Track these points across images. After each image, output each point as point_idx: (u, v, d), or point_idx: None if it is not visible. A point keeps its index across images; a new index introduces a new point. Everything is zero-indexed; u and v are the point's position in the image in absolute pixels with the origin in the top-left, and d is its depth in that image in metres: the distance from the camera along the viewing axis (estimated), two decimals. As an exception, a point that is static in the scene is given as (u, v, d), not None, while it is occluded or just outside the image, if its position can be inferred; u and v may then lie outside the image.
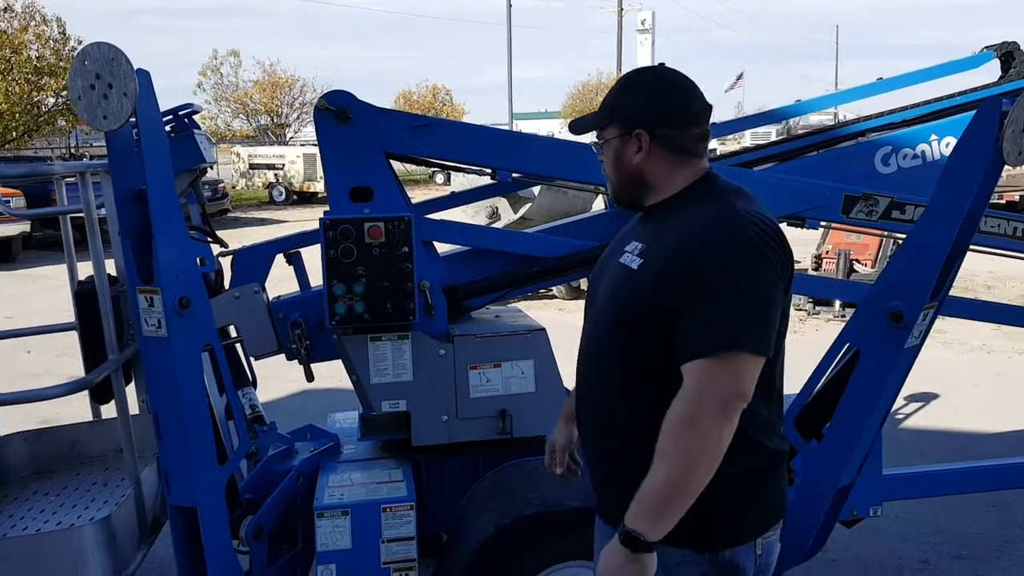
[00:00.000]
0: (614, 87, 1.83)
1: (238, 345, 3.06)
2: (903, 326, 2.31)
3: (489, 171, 3.01)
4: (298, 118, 36.67)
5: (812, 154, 3.48)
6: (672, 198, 1.78)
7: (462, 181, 8.58)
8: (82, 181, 2.79)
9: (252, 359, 3.14)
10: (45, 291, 10.19)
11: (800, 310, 9.00)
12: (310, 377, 3.02)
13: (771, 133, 23.77)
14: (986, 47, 3.57)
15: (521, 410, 2.82)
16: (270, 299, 3.06)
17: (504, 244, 3.02)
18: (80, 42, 20.87)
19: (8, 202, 11.15)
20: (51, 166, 3.05)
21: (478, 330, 2.88)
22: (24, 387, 3.40)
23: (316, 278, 2.95)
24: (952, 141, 3.01)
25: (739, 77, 52.82)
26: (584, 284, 3.24)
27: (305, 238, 3.16)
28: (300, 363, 3.00)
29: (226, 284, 3.21)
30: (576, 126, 1.91)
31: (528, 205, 9.37)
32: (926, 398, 6.02)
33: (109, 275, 2.84)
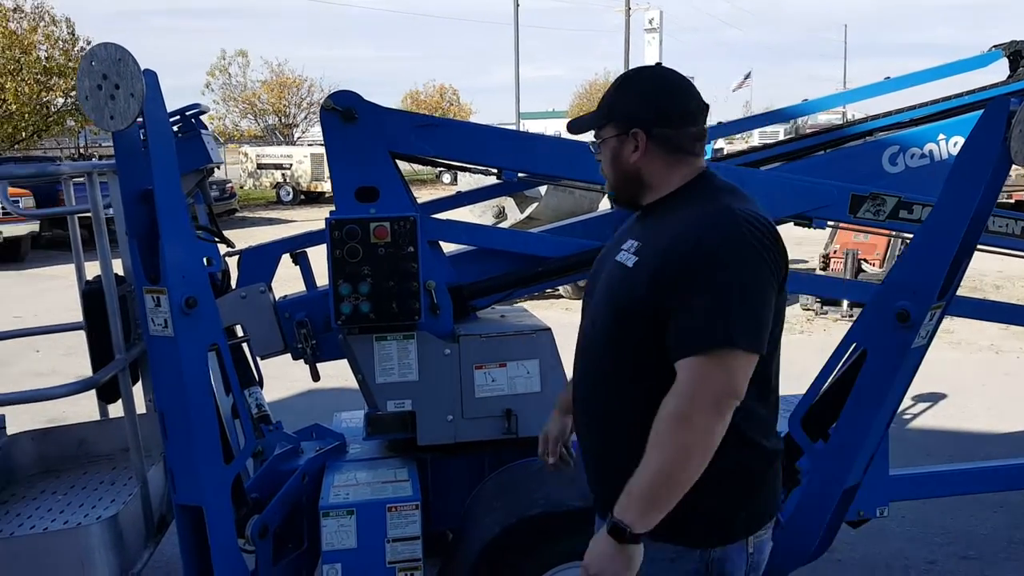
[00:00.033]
0: (611, 87, 1.85)
1: (244, 345, 3.07)
2: (910, 326, 2.30)
3: (495, 171, 3.01)
4: (306, 118, 36.78)
5: (819, 153, 3.48)
6: (669, 197, 1.79)
7: (469, 181, 8.58)
8: (89, 181, 2.80)
9: (258, 358, 3.14)
10: (54, 291, 10.23)
11: (808, 310, 8.98)
12: (316, 376, 3.02)
13: (779, 132, 23.69)
14: (994, 46, 3.56)
15: (526, 410, 2.82)
16: (276, 299, 3.07)
17: (510, 244, 3.02)
18: (89, 42, 20.98)
19: (17, 202, 11.23)
20: (59, 166, 3.05)
21: (483, 330, 2.88)
22: (32, 386, 3.42)
23: (322, 278, 2.95)
24: (960, 140, 2.99)
25: (747, 76, 52.69)
26: (590, 284, 3.23)
27: (311, 238, 3.17)
28: (306, 363, 3.01)
29: (233, 284, 3.21)
30: (574, 126, 1.93)
31: (535, 205, 9.36)
32: (934, 398, 5.99)
33: (117, 275, 2.85)
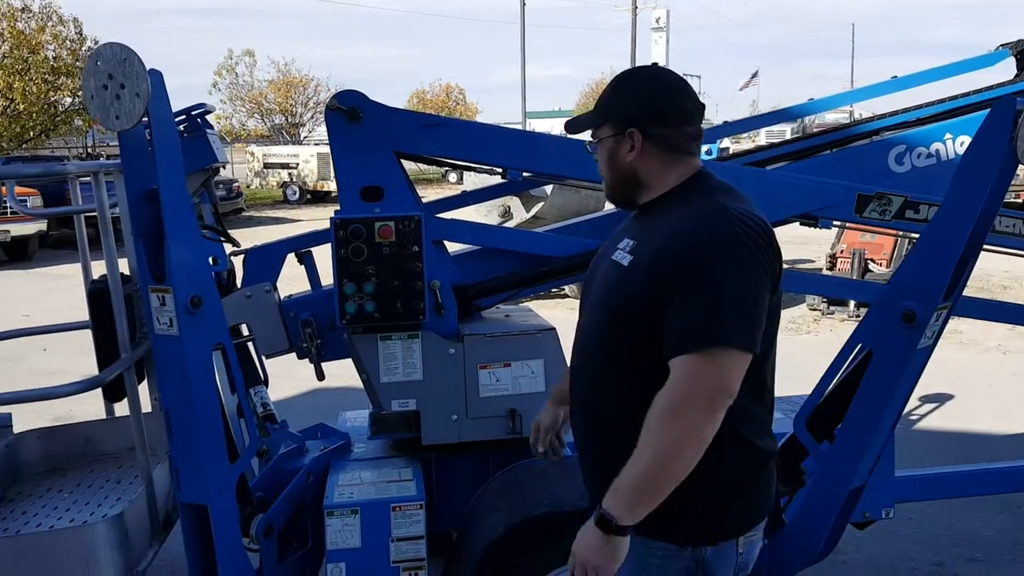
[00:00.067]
0: (608, 87, 1.86)
1: (250, 344, 3.08)
2: (916, 326, 2.29)
3: (500, 170, 3.00)
4: (312, 117, 36.85)
5: (825, 153, 3.47)
6: (665, 196, 1.80)
7: (474, 180, 8.58)
8: (95, 181, 2.81)
9: (264, 357, 3.15)
10: (61, 289, 10.27)
11: (814, 310, 8.96)
12: (320, 376, 3.03)
13: (786, 132, 23.65)
14: (1001, 45, 3.54)
15: (531, 410, 2.81)
16: (281, 298, 3.07)
17: (514, 243, 3.02)
18: (96, 42, 21.04)
19: (25, 201, 11.27)
20: (65, 166, 3.07)
21: (488, 329, 2.88)
22: (40, 384, 3.44)
23: (327, 277, 2.95)
24: (967, 140, 2.98)
25: (754, 75, 52.61)
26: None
27: (316, 237, 3.17)
28: (311, 362, 3.01)
29: (238, 283, 3.22)
30: (572, 125, 1.94)
31: (540, 204, 9.36)
32: (941, 399, 5.97)
33: (122, 274, 2.86)
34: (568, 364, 2.02)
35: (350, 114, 2.74)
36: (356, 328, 2.77)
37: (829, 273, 9.09)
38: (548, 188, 8.94)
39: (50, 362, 7.07)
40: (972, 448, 5.16)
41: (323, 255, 2.93)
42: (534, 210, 9.43)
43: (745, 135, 27.77)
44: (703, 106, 1.83)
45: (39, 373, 6.70)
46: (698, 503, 1.69)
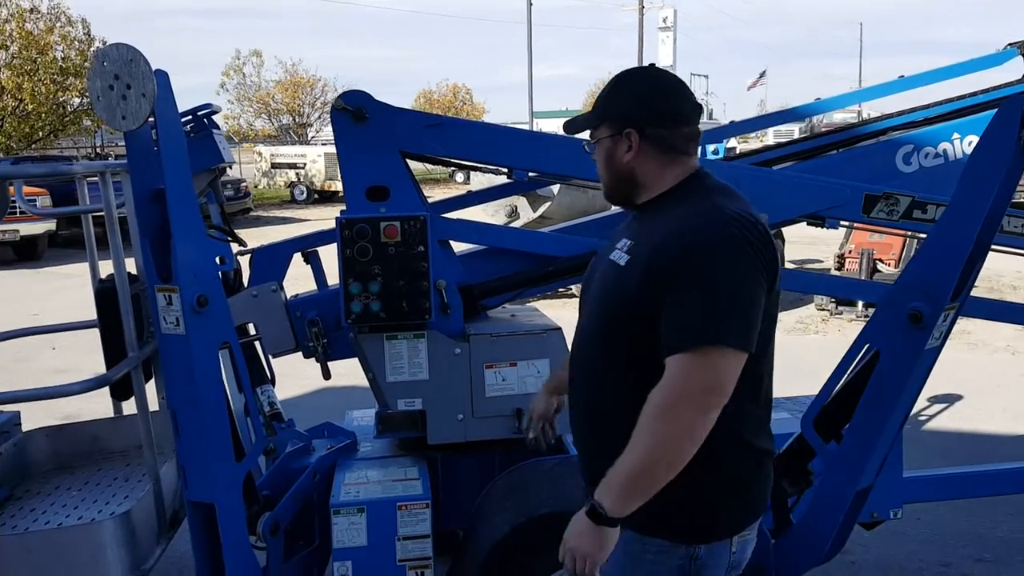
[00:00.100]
0: (605, 88, 1.88)
1: (257, 343, 3.09)
2: (923, 327, 2.28)
3: (505, 170, 3.00)
4: (319, 118, 36.95)
5: (832, 153, 3.46)
6: (662, 196, 1.81)
7: (481, 180, 8.58)
8: (102, 181, 2.82)
9: (271, 357, 3.16)
10: (70, 289, 10.31)
11: (823, 310, 8.94)
12: (327, 375, 3.03)
13: (794, 131, 23.58)
14: (1010, 44, 3.52)
15: (537, 409, 2.82)
16: (288, 297, 3.08)
17: (520, 243, 3.02)
18: (105, 42, 21.13)
19: (34, 201, 11.32)
20: (71, 166, 3.08)
21: (494, 329, 2.88)
22: (49, 383, 3.45)
23: (333, 277, 2.96)
24: (975, 140, 2.96)
25: (762, 75, 52.46)
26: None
27: (322, 237, 3.18)
28: (317, 361, 3.02)
29: (245, 283, 3.23)
30: (570, 126, 1.96)
31: (547, 204, 9.35)
32: (950, 399, 5.95)
33: (130, 273, 2.87)
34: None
35: (356, 114, 2.74)
36: (362, 327, 2.78)
37: (837, 273, 9.05)
38: (555, 188, 8.93)
39: (59, 361, 7.10)
40: (981, 448, 5.14)
41: (329, 255, 2.93)
42: (541, 210, 9.42)
43: (753, 135, 27.68)
44: (700, 107, 1.85)
45: (48, 372, 6.73)
46: (694, 501, 1.71)
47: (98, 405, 3.93)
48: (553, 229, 3.21)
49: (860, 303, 8.53)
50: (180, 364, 2.42)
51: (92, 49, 21.32)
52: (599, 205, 8.98)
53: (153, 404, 2.98)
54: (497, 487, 2.77)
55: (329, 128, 2.84)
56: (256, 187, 25.08)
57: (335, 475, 2.80)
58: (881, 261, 8.98)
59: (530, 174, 3.02)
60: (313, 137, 36.53)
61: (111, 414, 3.49)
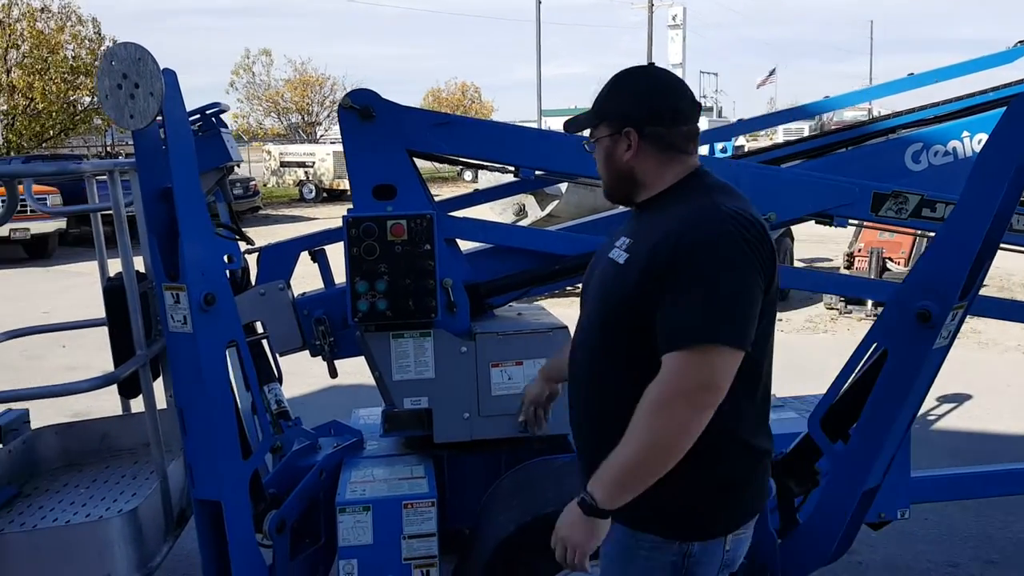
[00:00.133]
0: (604, 87, 1.88)
1: (264, 341, 3.09)
2: (931, 326, 2.27)
3: (512, 168, 3.00)
4: (328, 116, 37.01)
5: (841, 151, 3.44)
6: (661, 194, 1.82)
7: (489, 179, 8.58)
8: (111, 179, 2.83)
9: (278, 355, 3.16)
10: (80, 287, 10.36)
11: (832, 309, 8.91)
12: (334, 373, 3.04)
13: (804, 129, 23.51)
14: (1020, 42, 3.50)
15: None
16: (295, 296, 3.08)
17: (527, 242, 3.02)
18: (115, 41, 21.22)
19: (45, 199, 11.37)
20: (79, 164, 3.10)
21: (500, 328, 2.88)
22: (60, 381, 3.47)
23: (341, 275, 2.96)
24: (985, 138, 2.94)
25: (771, 72, 52.35)
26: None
27: (329, 235, 3.18)
28: (324, 359, 3.02)
29: (253, 281, 3.24)
30: (570, 125, 1.97)
31: (555, 202, 9.35)
32: (959, 399, 5.91)
33: (138, 272, 2.88)
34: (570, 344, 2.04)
35: (363, 113, 2.74)
36: (368, 326, 2.78)
37: (847, 272, 9.02)
38: (563, 186, 8.93)
39: (69, 359, 7.14)
40: (991, 448, 5.11)
41: (336, 253, 2.94)
42: (549, 208, 9.42)
43: (763, 133, 27.58)
44: (699, 105, 1.85)
45: (57, 370, 6.76)
46: (689, 497, 1.72)
47: (106, 403, 3.95)
48: (560, 227, 3.21)
49: (869, 302, 8.49)
50: (187, 362, 2.42)
51: (102, 48, 21.43)
52: (607, 203, 8.97)
53: (161, 402, 3.00)
54: (503, 486, 2.77)
55: (338, 127, 2.84)
56: (265, 186, 25.16)
57: (341, 473, 2.81)
58: (891, 260, 8.94)
59: (537, 172, 3.01)
60: (322, 136, 36.61)
61: (120, 412, 3.51)
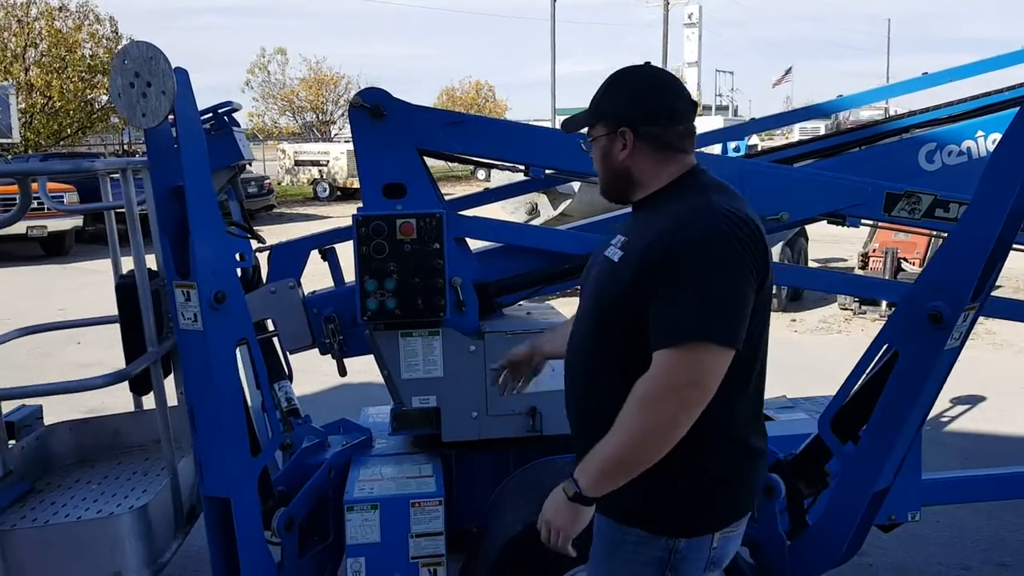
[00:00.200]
0: (601, 86, 1.88)
1: (275, 339, 3.11)
2: (943, 327, 2.25)
3: (522, 167, 3.00)
4: (343, 115, 37.06)
5: (854, 150, 3.42)
6: (657, 193, 1.83)
7: (501, 178, 8.58)
8: (123, 177, 2.85)
9: (288, 353, 3.17)
10: (96, 284, 10.44)
11: (846, 309, 8.85)
12: (343, 372, 3.05)
13: (820, 128, 23.36)
14: (1036, 40, 3.46)
15: (551, 408, 2.81)
16: (305, 294, 3.10)
17: (536, 241, 3.02)
18: (132, 40, 21.39)
19: (61, 198, 11.46)
20: (93, 163, 3.12)
21: (509, 327, 2.88)
22: (72, 377, 3.49)
23: (351, 274, 2.97)
24: (999, 137, 2.92)
25: (787, 72, 52.03)
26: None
27: (339, 234, 3.19)
28: (333, 357, 3.03)
29: (264, 279, 3.25)
30: (568, 124, 1.98)
31: (568, 201, 9.33)
32: (972, 400, 5.86)
33: (150, 269, 2.90)
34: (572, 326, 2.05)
35: (374, 112, 2.75)
36: (377, 324, 2.78)
37: (861, 272, 8.97)
38: (575, 185, 8.91)
39: (83, 355, 7.20)
40: (1004, 451, 5.06)
41: (346, 252, 2.95)
42: (561, 207, 9.41)
43: (779, 132, 27.46)
44: (695, 104, 1.86)
45: (72, 366, 6.82)
46: (677, 493, 1.74)
47: (120, 399, 3.97)
48: (570, 227, 3.20)
49: (884, 303, 8.43)
50: (198, 360, 2.44)
51: (120, 47, 21.60)
52: (619, 203, 8.94)
53: (172, 399, 3.01)
54: (511, 485, 2.78)
55: (351, 126, 2.85)
56: (279, 184, 25.26)
57: (350, 471, 2.82)
58: (905, 260, 8.87)
59: (547, 171, 3.01)
60: (336, 134, 36.72)
61: (133, 408, 3.53)
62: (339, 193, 24.99)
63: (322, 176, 25.36)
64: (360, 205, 2.84)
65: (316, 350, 3.09)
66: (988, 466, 4.55)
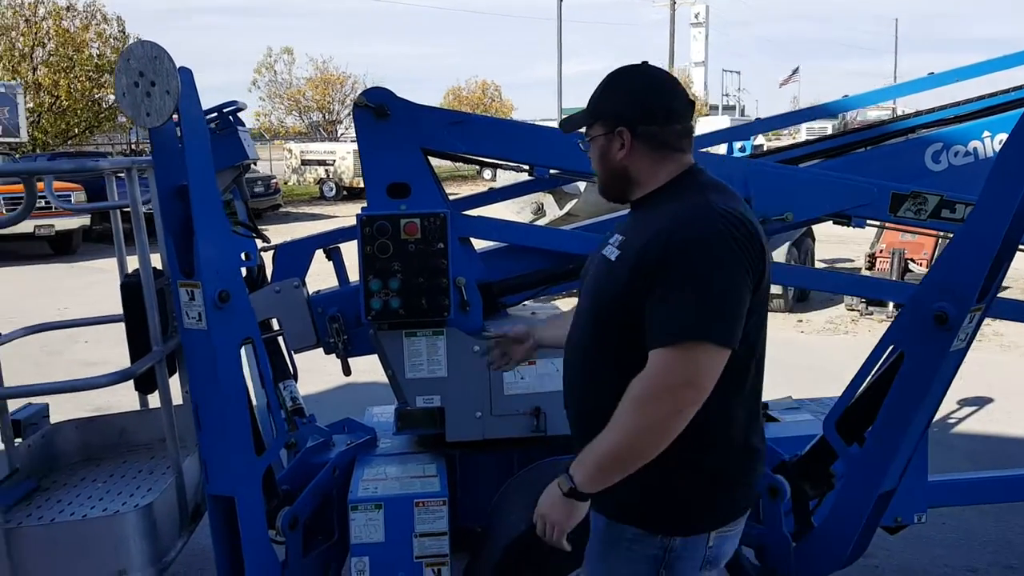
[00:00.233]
0: (599, 86, 1.89)
1: (280, 338, 3.11)
2: (948, 328, 2.24)
3: (527, 167, 3.00)
4: (349, 115, 36.95)
5: (860, 151, 3.40)
6: (655, 192, 1.83)
7: (506, 177, 8.57)
8: (128, 177, 2.86)
9: (293, 352, 3.18)
10: (103, 283, 10.47)
11: (852, 310, 8.83)
12: (347, 371, 3.05)
13: (827, 128, 23.29)
14: (1044, 40, 3.44)
15: (555, 408, 2.79)
16: (310, 293, 3.10)
17: (540, 241, 3.01)
18: (139, 39, 21.45)
19: (68, 197, 11.51)
20: (98, 162, 3.12)
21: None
22: (78, 376, 3.50)
23: (355, 273, 2.97)
24: (1006, 138, 2.90)
25: (795, 71, 51.99)
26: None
27: (344, 234, 3.19)
28: (338, 357, 3.03)
29: (268, 278, 3.25)
30: (566, 124, 2.00)
31: (574, 201, 9.32)
32: (979, 402, 5.84)
33: (155, 268, 2.91)
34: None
35: (378, 111, 2.75)
36: (381, 324, 2.78)
37: (868, 273, 8.93)
38: (581, 185, 8.89)
39: (89, 354, 7.22)
40: (1011, 453, 5.04)
41: (351, 251, 2.95)
42: (567, 207, 9.39)
43: (785, 131, 27.39)
44: (692, 103, 1.86)
45: (78, 365, 6.84)
46: (673, 492, 1.74)
47: (124, 398, 3.99)
48: (574, 227, 3.20)
49: (890, 304, 8.40)
50: (202, 359, 2.44)
51: (127, 46, 21.68)
52: (625, 203, 8.92)
53: (177, 398, 3.02)
54: (514, 485, 2.77)
55: (357, 125, 2.84)
56: (286, 183, 25.30)
57: (354, 471, 2.82)
58: (913, 261, 8.84)
59: (551, 171, 3.01)
60: (343, 134, 36.75)
61: (139, 407, 3.54)
62: (345, 193, 25.01)
63: (328, 176, 25.39)
64: (364, 205, 2.85)
65: (321, 349, 3.09)
66: (995, 468, 4.53)
